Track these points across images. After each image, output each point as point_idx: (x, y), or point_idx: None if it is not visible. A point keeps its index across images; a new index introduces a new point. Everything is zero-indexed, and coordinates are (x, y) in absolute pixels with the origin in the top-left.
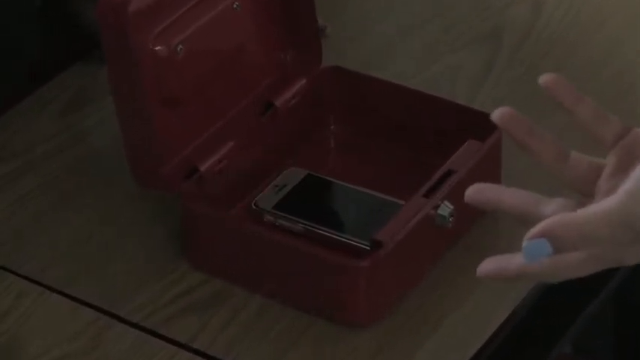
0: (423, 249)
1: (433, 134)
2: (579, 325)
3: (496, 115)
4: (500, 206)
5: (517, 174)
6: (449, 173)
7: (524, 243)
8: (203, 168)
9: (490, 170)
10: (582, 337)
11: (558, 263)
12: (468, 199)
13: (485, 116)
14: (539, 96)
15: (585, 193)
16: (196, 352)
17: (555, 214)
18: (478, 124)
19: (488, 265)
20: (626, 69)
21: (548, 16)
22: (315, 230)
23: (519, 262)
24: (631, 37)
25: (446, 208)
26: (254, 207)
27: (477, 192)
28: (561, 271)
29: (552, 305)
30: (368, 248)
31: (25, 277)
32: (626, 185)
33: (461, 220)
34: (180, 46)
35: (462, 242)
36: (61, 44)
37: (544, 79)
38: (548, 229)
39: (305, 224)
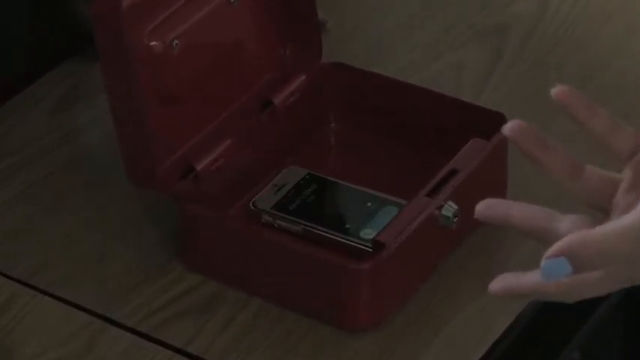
0: (426, 251)
1: (436, 132)
2: (586, 331)
3: (506, 128)
4: (511, 222)
5: (523, 173)
6: (453, 172)
7: (543, 262)
8: (200, 167)
9: (495, 169)
10: (590, 344)
11: (574, 282)
12: (478, 216)
13: (490, 114)
14: (544, 92)
15: (600, 208)
16: (192, 356)
17: (570, 230)
18: (482, 122)
19: (500, 283)
20: (633, 65)
21: (554, 10)
22: (315, 231)
23: (533, 280)
24: (639, 31)
25: (450, 209)
26: (252, 207)
27: (486, 208)
28: (577, 290)
29: (558, 311)
30: (369, 250)
31: (17, 280)
32: None
33: (465, 221)
34: (176, 42)
35: (465, 244)
36: (53, 41)
37: (556, 92)
38: (567, 248)
39: (304, 225)
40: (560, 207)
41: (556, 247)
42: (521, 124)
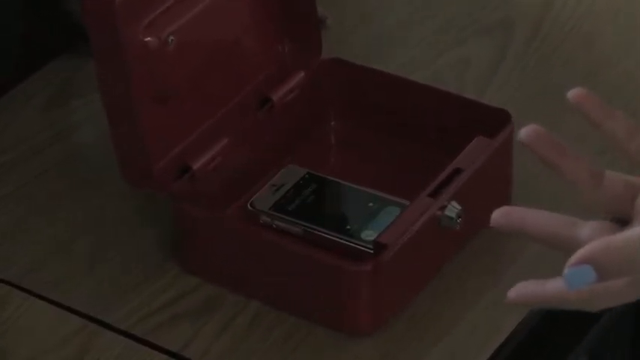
0: (429, 252)
1: (439, 130)
2: (594, 335)
3: (522, 133)
4: (529, 230)
5: (529, 173)
6: (456, 172)
7: (566, 270)
8: (196, 166)
9: (500, 169)
10: (597, 348)
11: (597, 290)
12: (495, 224)
13: (494, 111)
14: (550, 91)
15: (621, 214)
16: None
17: (591, 238)
18: (487, 120)
19: (520, 290)
20: None
21: (560, 6)
22: (315, 232)
23: (555, 288)
24: None
25: (453, 209)
26: (250, 208)
27: (502, 216)
28: (600, 298)
29: (566, 314)
30: (370, 251)
31: (8, 282)
32: None
33: (469, 222)
34: (172, 37)
35: (469, 245)
36: (49, 40)
37: (572, 94)
38: (590, 256)
39: (304, 226)
40: (567, 206)
41: (579, 254)
42: (537, 129)
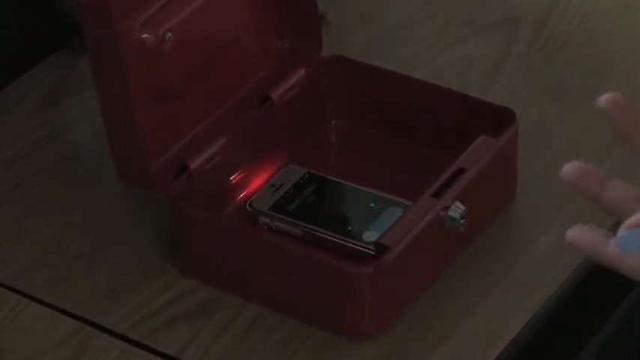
0: (432, 253)
1: (442, 129)
2: (602, 337)
3: (602, 99)
4: (605, 197)
5: (533, 173)
6: (460, 172)
7: (620, 232)
8: (194, 166)
9: (505, 168)
10: (605, 350)
11: None
12: (567, 177)
13: (499, 110)
14: (555, 89)
15: None
16: None
17: None
18: (491, 119)
19: (583, 235)
20: None
21: (565, 3)
22: (315, 233)
23: (613, 248)
24: None
25: (457, 210)
26: (249, 208)
27: (579, 171)
28: None
29: (573, 316)
30: (372, 253)
31: (2, 285)
32: None
33: (472, 223)
34: (169, 34)
35: (473, 246)
36: (40, 32)
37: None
38: None
39: (304, 227)
40: (570, 206)
41: (633, 218)
42: (618, 95)
